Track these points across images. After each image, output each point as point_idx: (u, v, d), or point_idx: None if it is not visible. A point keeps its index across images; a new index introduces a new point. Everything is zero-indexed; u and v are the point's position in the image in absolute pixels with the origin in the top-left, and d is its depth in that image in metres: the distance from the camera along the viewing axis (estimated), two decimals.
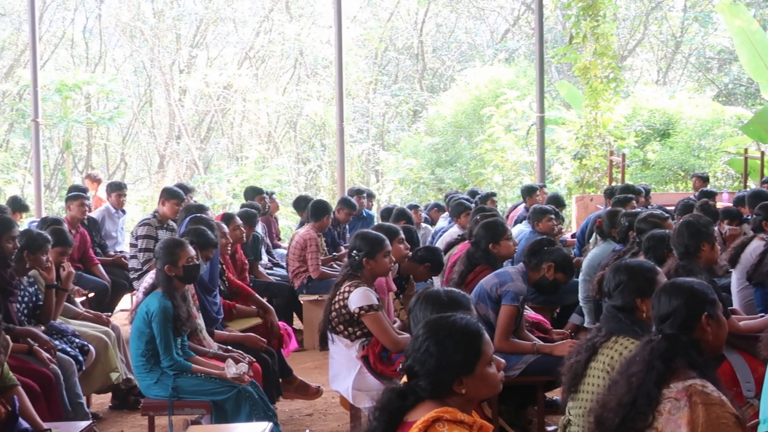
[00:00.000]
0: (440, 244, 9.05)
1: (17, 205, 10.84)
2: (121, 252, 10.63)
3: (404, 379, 3.10)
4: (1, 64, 29.26)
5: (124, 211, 11.17)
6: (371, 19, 29.30)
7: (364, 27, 28.57)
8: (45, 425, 4.44)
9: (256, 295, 7.36)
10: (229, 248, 7.43)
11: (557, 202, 11.40)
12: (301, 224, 10.88)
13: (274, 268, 10.55)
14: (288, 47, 27.85)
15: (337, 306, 5.74)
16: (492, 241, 6.45)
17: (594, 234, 9.02)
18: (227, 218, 7.95)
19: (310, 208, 9.75)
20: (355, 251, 5.83)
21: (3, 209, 9.57)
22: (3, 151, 25.92)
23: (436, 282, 7.77)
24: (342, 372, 5.82)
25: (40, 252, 6.29)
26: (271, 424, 4.96)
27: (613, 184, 14.30)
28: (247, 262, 8.74)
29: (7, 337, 4.66)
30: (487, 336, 3.06)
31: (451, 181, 22.27)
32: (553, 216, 9.13)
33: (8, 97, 27.08)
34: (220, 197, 21.77)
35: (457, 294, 4.04)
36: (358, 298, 5.64)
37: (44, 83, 19.64)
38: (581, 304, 7.99)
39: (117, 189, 11.08)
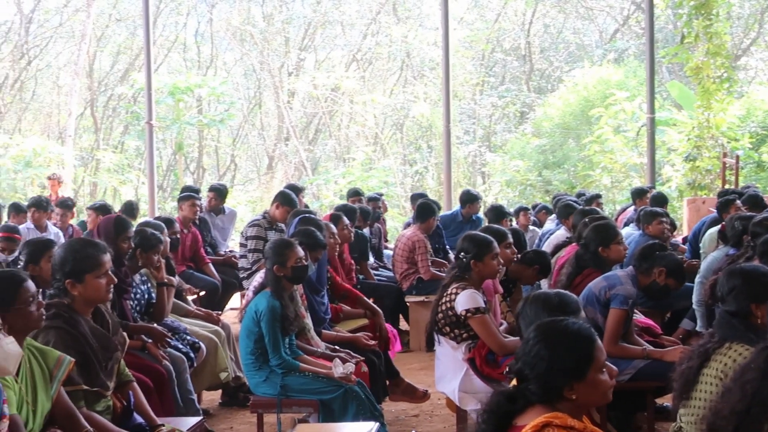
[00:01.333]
0: (547, 246, 8.95)
1: (129, 211, 11.08)
2: (231, 252, 10.81)
3: (513, 382, 3.07)
4: (116, 68, 30.11)
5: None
6: (478, 20, 29.18)
7: (471, 28, 28.48)
8: (158, 420, 4.53)
9: (364, 297, 7.39)
10: (337, 248, 7.48)
11: (662, 202, 11.13)
12: (407, 225, 10.90)
13: (380, 270, 10.58)
14: (395, 49, 27.94)
15: (443, 308, 5.73)
16: (602, 245, 6.33)
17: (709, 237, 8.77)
18: (335, 218, 8.01)
19: (416, 210, 9.76)
20: (462, 253, 5.81)
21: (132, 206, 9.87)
22: (118, 153, 26.66)
23: (543, 285, 7.69)
24: (448, 374, 5.81)
25: (152, 251, 6.43)
26: (377, 424, 4.97)
27: (727, 186, 13.91)
28: (353, 262, 8.80)
29: (125, 334, 4.77)
30: (600, 342, 3.02)
31: (559, 183, 22.02)
32: (664, 219, 8.92)
33: (123, 100, 27.83)
34: (327, 198, 21.96)
35: (568, 297, 3.99)
36: (465, 300, 5.62)
37: (158, 86, 20.11)
38: (695, 307, 7.79)
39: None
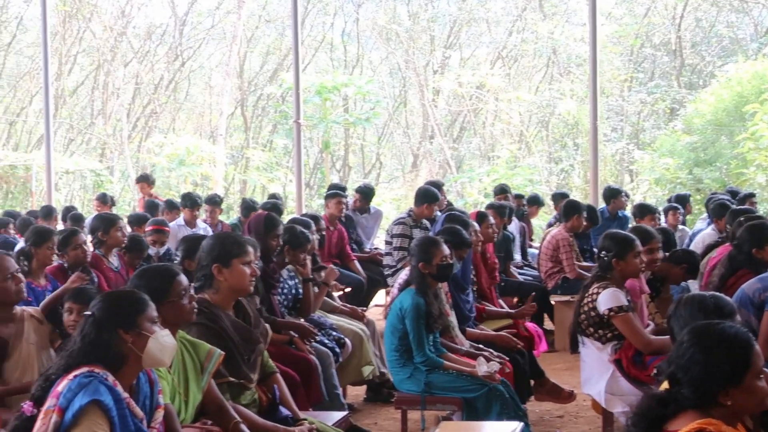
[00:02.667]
0: (696, 246, 8.69)
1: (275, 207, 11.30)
2: (376, 249, 10.90)
3: (664, 385, 2.98)
4: (266, 68, 30.78)
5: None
6: (627, 15, 28.54)
7: (620, 23, 27.88)
8: (303, 414, 4.59)
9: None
10: (480, 247, 7.44)
11: None
12: (550, 224, 10.76)
13: (524, 268, 10.49)
14: (541, 46, 27.63)
15: (586, 308, 5.63)
16: (756, 246, 6.08)
17: None
18: (481, 216, 7.97)
19: (561, 209, 9.64)
20: (604, 252, 5.69)
21: (277, 205, 10.07)
22: (267, 151, 27.24)
23: (691, 285, 7.47)
24: (594, 375, 5.70)
25: (300, 249, 6.54)
26: (521, 424, 4.91)
27: None
28: (497, 261, 8.74)
29: (267, 325, 4.85)
30: (757, 347, 2.90)
31: (710, 181, 21.32)
32: None
33: (272, 99, 28.43)
34: (471, 196, 21.89)
35: (723, 300, 3.86)
36: (606, 299, 5.51)
37: (305, 86, 20.43)
38: None
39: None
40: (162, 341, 3.40)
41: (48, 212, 11.44)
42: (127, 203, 24.73)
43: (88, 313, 3.39)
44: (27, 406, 3.30)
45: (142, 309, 3.43)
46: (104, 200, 12.82)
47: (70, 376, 3.24)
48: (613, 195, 11.39)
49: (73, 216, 10.87)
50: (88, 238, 7.87)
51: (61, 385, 3.22)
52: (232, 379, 4.32)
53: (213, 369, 4.03)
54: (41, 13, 15.50)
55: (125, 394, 3.30)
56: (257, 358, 4.57)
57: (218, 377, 4.17)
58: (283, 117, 25.31)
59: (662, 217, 10.85)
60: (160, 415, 3.51)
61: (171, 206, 11.56)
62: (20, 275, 4.79)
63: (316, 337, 6.31)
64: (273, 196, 12.98)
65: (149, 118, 31.04)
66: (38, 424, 3.20)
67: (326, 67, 29.67)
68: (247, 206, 11.12)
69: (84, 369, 3.25)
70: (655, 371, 5.02)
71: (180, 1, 30.22)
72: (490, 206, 9.58)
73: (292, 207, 17.74)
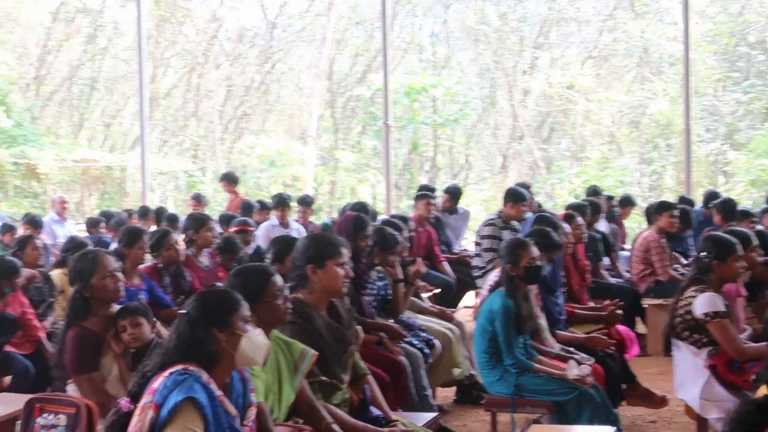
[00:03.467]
0: None
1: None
2: (465, 250, 10.89)
3: (762, 390, 2.93)
4: (355, 69, 30.94)
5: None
6: (721, 13, 27.95)
7: (714, 22, 27.32)
8: (393, 414, 4.62)
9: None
10: (570, 248, 7.38)
11: None
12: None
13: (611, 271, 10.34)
14: (632, 45, 27.24)
15: (681, 311, 5.54)
16: None
17: None
18: (569, 217, 7.91)
19: (647, 210, 9.51)
20: (704, 253, 5.59)
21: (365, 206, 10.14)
22: (356, 152, 27.40)
23: None
24: (688, 380, 5.60)
25: (390, 251, 6.57)
26: (613, 428, 4.85)
27: None
28: (588, 263, 8.66)
29: (359, 327, 4.89)
30: None
31: None
32: None
33: (361, 101, 28.58)
34: (561, 198, 21.71)
35: None
36: (703, 303, 5.41)
37: (394, 87, 20.50)
38: None
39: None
40: (255, 340, 3.45)
41: (144, 212, 11.71)
42: (219, 204, 25.13)
43: (184, 311, 3.47)
44: (124, 402, 3.38)
45: (236, 308, 3.48)
46: (199, 200, 13.05)
47: (166, 373, 3.31)
48: (713, 199, 11.18)
49: (168, 216, 11.11)
50: (181, 238, 8.03)
51: (157, 382, 3.30)
52: (324, 378, 4.37)
53: (306, 369, 4.08)
54: (136, 17, 15.84)
55: (219, 392, 3.36)
56: (349, 359, 4.61)
57: (311, 377, 4.22)
58: (372, 118, 25.43)
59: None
60: (252, 413, 3.57)
61: (262, 206, 11.73)
62: (119, 274, 4.91)
63: (406, 338, 6.34)
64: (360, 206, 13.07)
65: (241, 120, 31.49)
66: (134, 419, 3.28)
67: (415, 69, 29.70)
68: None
69: (179, 366, 3.32)
70: (753, 377, 4.93)
71: (271, 4, 30.59)
72: (570, 206, 9.49)
73: (381, 208, 17.80)
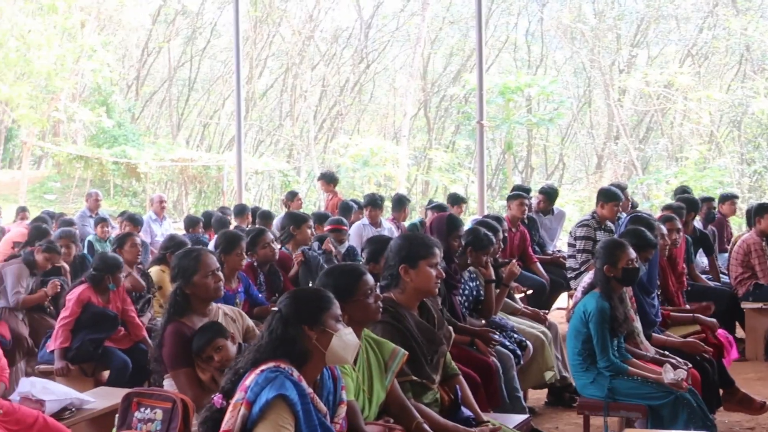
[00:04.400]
0: None
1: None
2: (558, 251, 10.78)
3: None
4: (449, 69, 30.93)
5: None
6: None
7: None
8: (484, 415, 4.59)
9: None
10: (666, 249, 7.25)
11: None
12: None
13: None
14: (733, 43, 26.63)
15: None
16: None
17: None
18: (666, 218, 7.76)
19: (747, 212, 9.28)
20: None
21: (444, 207, 10.12)
22: (449, 152, 27.38)
23: None
24: None
25: (483, 251, 6.54)
26: None
27: None
28: (685, 267, 8.48)
29: (450, 327, 4.88)
30: None
31: None
32: None
33: (455, 100, 28.54)
34: (658, 198, 21.32)
35: None
36: None
37: (488, 86, 20.42)
38: None
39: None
40: (345, 339, 3.47)
41: (240, 210, 11.86)
42: (313, 203, 25.36)
43: (276, 308, 3.52)
44: (217, 398, 3.44)
45: (327, 307, 3.52)
46: (292, 198, 13.16)
47: (258, 370, 3.36)
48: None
49: (262, 214, 11.22)
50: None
51: (249, 379, 3.35)
52: (415, 378, 4.37)
53: (397, 368, 4.09)
54: (233, 18, 16.04)
55: (309, 390, 3.39)
56: (440, 359, 4.61)
57: (401, 376, 4.22)
58: (465, 118, 25.38)
59: None
60: (342, 410, 3.60)
61: (357, 207, 11.78)
62: (220, 273, 5.01)
63: (498, 340, 6.30)
64: (454, 197, 12.98)
65: (335, 120, 31.75)
66: (227, 416, 3.34)
67: (509, 68, 29.57)
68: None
69: (270, 364, 3.37)
70: None
71: (366, 4, 30.78)
72: (666, 207, 9.31)
73: (473, 208, 17.74)
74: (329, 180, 13.69)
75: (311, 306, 3.51)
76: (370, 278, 4.03)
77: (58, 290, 7.89)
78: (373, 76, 32.36)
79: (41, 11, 25.40)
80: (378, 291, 4.17)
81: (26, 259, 7.95)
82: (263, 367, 3.37)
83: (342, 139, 27.09)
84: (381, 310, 4.13)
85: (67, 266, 8.46)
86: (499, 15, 30.24)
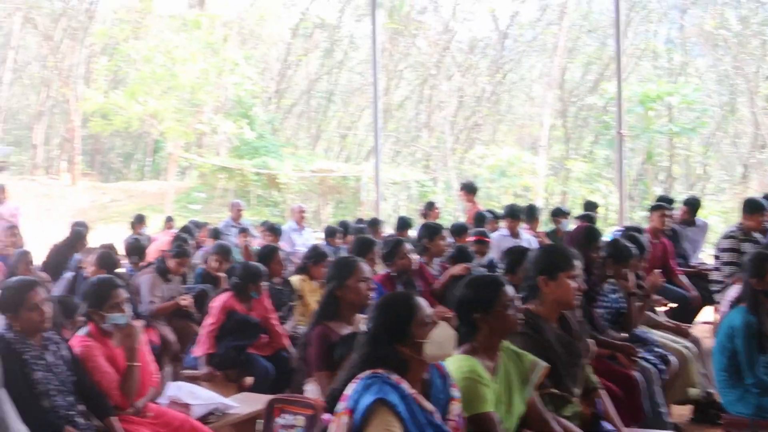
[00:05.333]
0: None
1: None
2: (702, 263, 10.50)
3: None
4: (587, 78, 30.53)
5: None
6: None
7: None
8: (626, 430, 4.52)
9: None
10: None
11: None
12: None
13: None
14: None
15: None
16: None
17: None
18: None
19: None
20: None
21: (591, 218, 9.97)
22: (588, 162, 27.01)
23: None
24: None
25: (623, 264, 6.43)
26: None
27: None
28: None
29: (590, 340, 4.82)
30: None
31: None
32: None
33: (593, 110, 28.16)
34: None
35: None
36: None
37: (628, 95, 20.08)
38: None
39: None
40: (438, 339, 3.49)
41: (374, 224, 11.97)
42: (450, 213, 25.38)
43: (364, 327, 3.58)
44: (326, 416, 3.51)
45: (412, 315, 3.52)
46: (430, 209, 13.21)
47: (356, 379, 3.42)
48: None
49: (401, 220, 11.36)
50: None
51: (348, 389, 3.41)
52: (555, 391, 4.33)
53: (537, 380, 4.06)
54: (371, 31, 16.21)
55: (411, 390, 3.41)
56: (580, 372, 4.56)
57: (541, 388, 4.19)
58: (604, 127, 25.01)
59: None
60: (455, 407, 3.59)
61: (494, 217, 11.75)
62: (371, 283, 5.12)
63: (639, 354, 6.18)
64: (588, 203, 12.82)
65: (472, 130, 31.73)
66: (332, 427, 3.40)
67: (649, 76, 28.96)
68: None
69: (367, 372, 3.42)
70: None
71: (502, 14, 30.68)
72: None
73: (613, 219, 17.47)
74: (470, 190, 13.68)
75: (397, 320, 3.51)
76: (510, 289, 4.01)
77: (190, 304, 8.11)
78: (509, 86, 32.23)
79: (186, 27, 26.22)
80: (518, 303, 4.15)
81: (158, 268, 8.19)
82: (360, 375, 3.43)
83: (479, 149, 27.06)
84: (520, 322, 4.11)
85: (225, 276, 8.70)
86: (639, 22, 29.67)
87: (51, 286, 8.22)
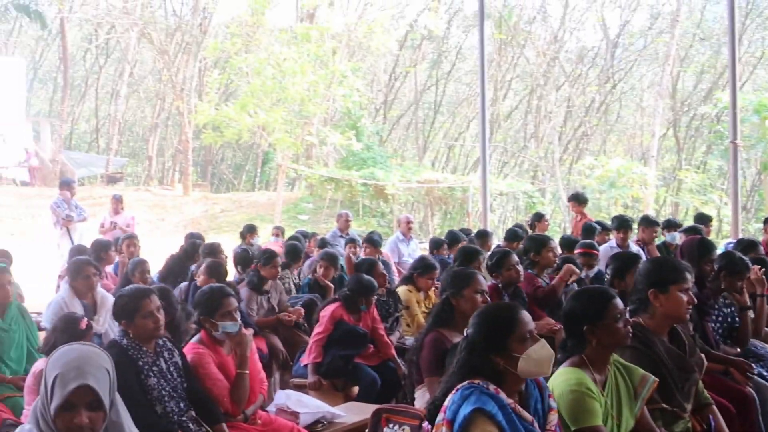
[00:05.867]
0: None
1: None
2: None
3: None
4: (700, 87, 29.89)
5: None
6: None
7: None
8: None
9: None
10: None
11: None
12: None
13: None
14: None
15: None
16: None
17: None
18: None
19: None
20: None
21: (698, 230, 9.76)
22: (700, 173, 26.43)
23: None
24: None
25: (737, 276, 6.27)
26: None
27: None
28: None
29: (702, 355, 4.72)
30: None
31: None
32: None
33: (706, 119, 27.55)
34: None
35: None
36: None
37: (742, 104, 19.58)
38: None
39: None
40: (535, 357, 3.45)
41: (481, 235, 11.93)
42: (558, 224, 25.13)
43: (465, 334, 3.57)
44: (426, 426, 3.53)
45: (512, 329, 3.49)
46: (539, 220, 13.08)
47: (454, 390, 3.42)
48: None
49: (479, 233, 11.29)
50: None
51: (447, 400, 3.42)
52: (665, 406, 4.26)
53: (647, 395, 4.00)
54: (478, 41, 16.20)
55: (509, 400, 3.40)
56: (692, 387, 4.46)
57: (651, 403, 4.13)
58: (718, 137, 24.44)
59: None
60: (553, 417, 3.56)
61: (603, 228, 11.57)
62: (486, 296, 5.21)
63: (754, 370, 6.01)
64: (701, 216, 12.51)
65: (580, 141, 31.41)
66: None
67: (765, 84, 28.21)
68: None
69: (465, 383, 3.42)
70: None
71: (612, 24, 30.31)
72: None
73: (726, 231, 17.05)
74: (580, 201, 13.52)
75: (496, 332, 3.50)
76: (619, 302, 3.96)
77: (292, 322, 8.18)
78: (619, 95, 31.79)
79: (295, 40, 26.60)
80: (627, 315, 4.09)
81: (250, 282, 8.24)
82: (458, 386, 3.43)
83: (587, 159, 26.72)
84: (630, 335, 4.05)
85: (331, 285, 8.79)
86: (754, 30, 28.96)
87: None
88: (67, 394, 2.77)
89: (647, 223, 10.93)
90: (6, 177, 32.99)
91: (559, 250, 9.11)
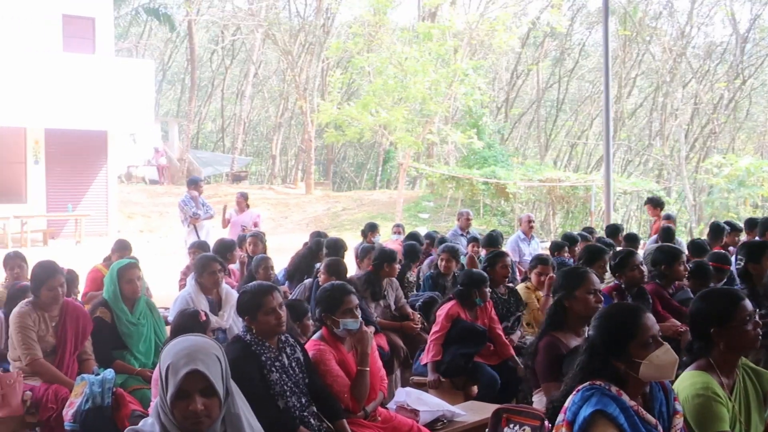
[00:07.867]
0: None
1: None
2: None
3: None
4: None
5: None
6: None
7: None
8: None
9: None
10: None
11: None
12: None
13: None
14: None
15: None
16: None
17: None
18: None
19: None
20: None
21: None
22: None
23: None
24: None
25: None
26: None
27: None
28: None
29: None
30: None
31: None
32: None
33: None
34: None
35: None
36: None
37: None
38: None
39: None
40: (657, 363, 3.36)
41: (613, 231, 11.75)
42: (683, 224, 24.54)
43: (587, 335, 3.51)
44: (548, 425, 3.47)
45: (634, 334, 3.41)
46: (667, 219, 12.84)
47: (574, 391, 3.38)
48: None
49: (628, 236, 11.08)
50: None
51: (567, 401, 3.37)
52: None
53: None
54: (603, 38, 15.97)
55: (631, 402, 3.32)
56: None
57: None
58: None
59: None
60: (678, 421, 3.47)
61: (732, 229, 11.24)
62: (600, 294, 5.05)
63: None
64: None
65: (708, 138, 30.63)
66: None
67: None
68: None
69: (586, 384, 3.37)
70: None
71: (742, 18, 29.50)
72: None
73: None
74: (656, 204, 13.48)
75: (617, 336, 3.43)
76: (748, 304, 3.83)
77: (414, 329, 8.16)
78: (749, 92, 30.87)
79: (417, 39, 26.67)
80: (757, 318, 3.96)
81: (366, 283, 8.25)
82: (579, 387, 3.38)
83: (715, 158, 26.01)
84: (759, 338, 3.92)
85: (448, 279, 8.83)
86: None
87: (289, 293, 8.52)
88: (179, 382, 2.82)
89: None
90: (136, 175, 34.10)
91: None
